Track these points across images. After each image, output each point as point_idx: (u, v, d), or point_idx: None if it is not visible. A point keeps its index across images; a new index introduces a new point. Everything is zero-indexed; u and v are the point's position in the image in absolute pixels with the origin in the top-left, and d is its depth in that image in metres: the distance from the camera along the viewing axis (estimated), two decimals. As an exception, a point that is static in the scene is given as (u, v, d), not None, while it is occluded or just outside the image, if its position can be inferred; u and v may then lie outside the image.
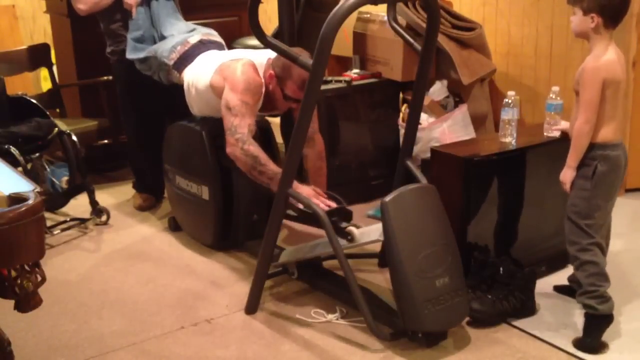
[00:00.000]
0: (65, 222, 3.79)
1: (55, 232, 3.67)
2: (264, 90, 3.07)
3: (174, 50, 3.42)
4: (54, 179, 3.98)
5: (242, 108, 2.97)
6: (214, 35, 3.59)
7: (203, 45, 3.44)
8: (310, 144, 3.14)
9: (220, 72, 3.10)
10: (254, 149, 2.91)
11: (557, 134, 2.99)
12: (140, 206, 4.02)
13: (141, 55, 3.56)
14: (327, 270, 3.08)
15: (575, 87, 2.52)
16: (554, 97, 2.98)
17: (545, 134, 3.00)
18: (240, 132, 2.93)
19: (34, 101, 3.90)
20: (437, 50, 3.82)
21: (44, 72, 4.78)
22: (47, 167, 4.02)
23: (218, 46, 3.52)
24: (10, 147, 3.49)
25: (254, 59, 3.11)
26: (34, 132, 3.71)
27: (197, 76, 3.25)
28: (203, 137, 3.28)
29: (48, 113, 3.87)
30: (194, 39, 3.46)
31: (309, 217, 2.81)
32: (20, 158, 3.48)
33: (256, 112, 3.09)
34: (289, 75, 2.97)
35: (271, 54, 3.04)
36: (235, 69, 3.05)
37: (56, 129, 3.75)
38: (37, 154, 3.79)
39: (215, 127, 3.30)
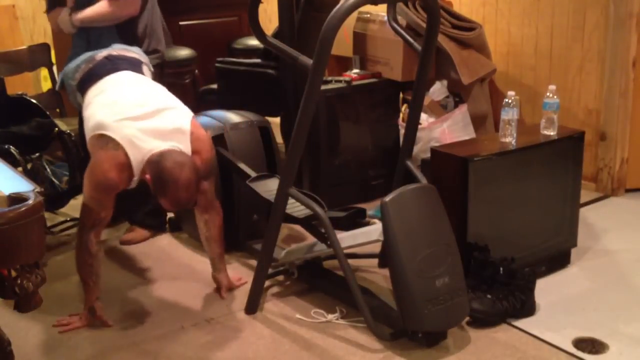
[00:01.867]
0: (65, 222, 3.79)
1: (55, 232, 3.67)
2: (130, 181, 2.69)
3: (79, 69, 3.02)
4: (54, 179, 3.98)
5: (90, 202, 2.69)
6: (130, 51, 3.16)
7: (110, 62, 3.01)
8: (211, 213, 2.93)
9: (90, 143, 2.74)
10: (89, 248, 2.72)
11: (553, 132, 2.99)
12: (127, 240, 3.62)
13: (58, 81, 3.25)
14: (327, 270, 3.08)
15: None
16: (550, 95, 2.99)
17: (542, 132, 3.01)
18: (82, 222, 2.73)
19: (34, 101, 3.90)
20: (437, 50, 3.81)
21: (44, 72, 4.78)
22: (47, 167, 4.02)
23: (130, 64, 3.06)
24: (10, 147, 3.49)
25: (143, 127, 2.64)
26: (34, 132, 3.70)
27: (89, 115, 2.80)
28: (203, 137, 3.27)
29: (48, 113, 3.87)
30: (100, 55, 3.05)
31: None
32: (20, 158, 3.48)
33: (113, 198, 2.73)
34: (161, 192, 2.58)
35: (181, 116, 2.73)
36: (94, 160, 2.68)
37: (56, 129, 3.74)
38: (37, 154, 3.79)
39: (217, 127, 3.31)
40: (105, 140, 2.65)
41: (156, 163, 2.56)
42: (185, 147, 2.68)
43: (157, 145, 2.62)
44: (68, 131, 3.79)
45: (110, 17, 3.25)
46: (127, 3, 3.27)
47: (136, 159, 2.62)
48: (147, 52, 3.34)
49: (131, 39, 3.30)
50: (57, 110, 4.43)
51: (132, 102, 2.77)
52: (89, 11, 3.26)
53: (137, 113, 2.70)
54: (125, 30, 3.32)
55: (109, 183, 2.64)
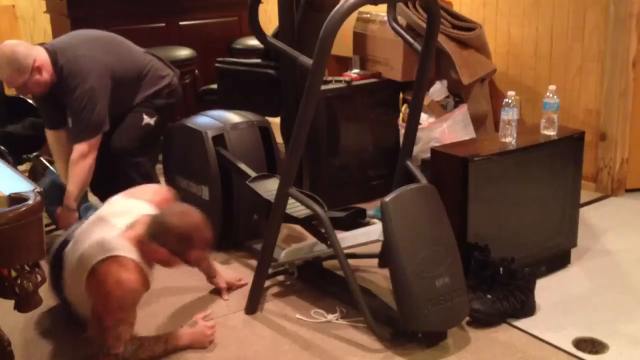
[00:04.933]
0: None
1: (55, 232, 3.66)
2: (148, 276, 2.52)
3: None
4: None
5: (118, 326, 2.41)
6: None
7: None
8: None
9: (94, 278, 2.43)
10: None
11: (553, 133, 2.99)
12: None
13: None
14: (327, 270, 3.08)
15: None
16: (550, 95, 2.99)
17: (542, 132, 3.01)
18: (113, 352, 2.43)
19: (30, 101, 3.90)
20: (437, 50, 3.81)
21: (43, 72, 4.77)
22: (47, 166, 4.01)
23: None
24: (0, 146, 3.50)
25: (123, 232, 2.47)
26: (28, 131, 3.71)
27: (78, 257, 2.51)
28: (204, 137, 3.28)
29: None
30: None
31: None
32: (10, 158, 3.47)
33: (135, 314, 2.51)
34: (190, 245, 2.45)
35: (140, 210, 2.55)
36: (110, 284, 2.38)
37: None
38: (36, 153, 3.79)
39: (217, 127, 3.31)
40: (112, 259, 2.44)
41: (161, 230, 2.43)
42: (150, 207, 2.60)
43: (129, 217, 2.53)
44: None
45: (89, 169, 3.22)
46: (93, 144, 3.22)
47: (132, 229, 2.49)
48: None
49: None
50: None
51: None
52: (72, 185, 3.21)
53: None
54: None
55: (133, 294, 2.43)
